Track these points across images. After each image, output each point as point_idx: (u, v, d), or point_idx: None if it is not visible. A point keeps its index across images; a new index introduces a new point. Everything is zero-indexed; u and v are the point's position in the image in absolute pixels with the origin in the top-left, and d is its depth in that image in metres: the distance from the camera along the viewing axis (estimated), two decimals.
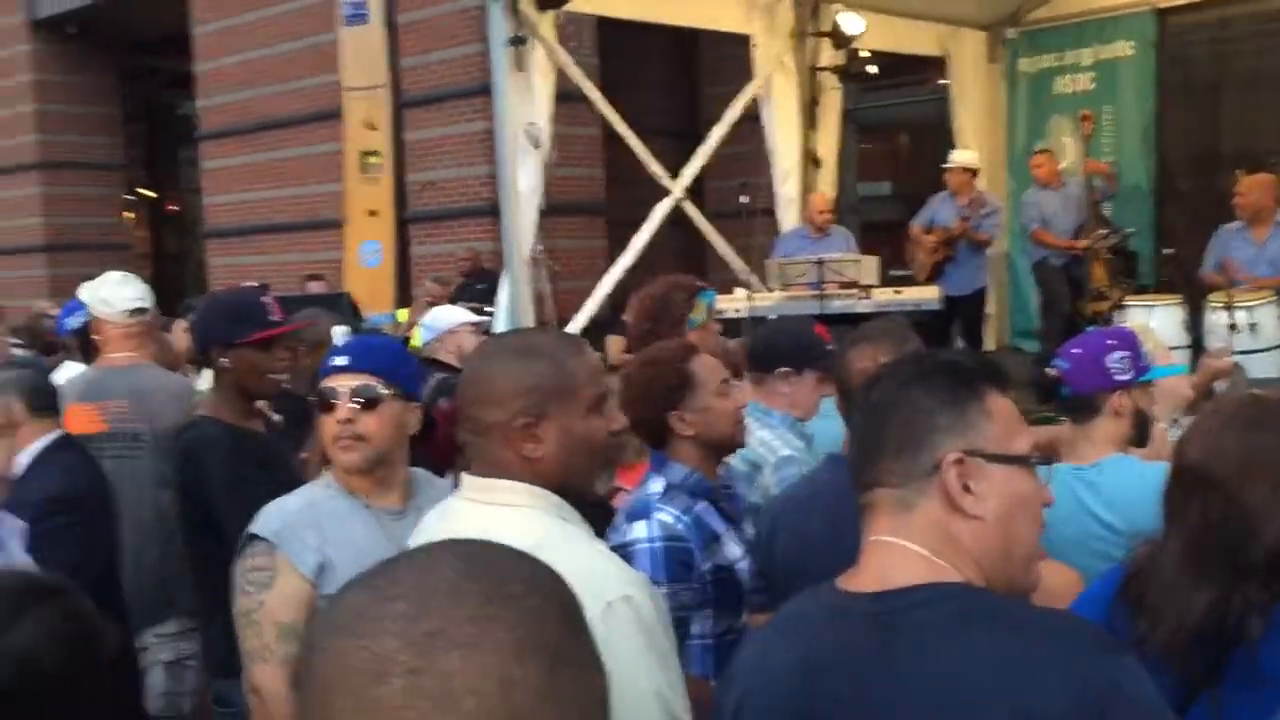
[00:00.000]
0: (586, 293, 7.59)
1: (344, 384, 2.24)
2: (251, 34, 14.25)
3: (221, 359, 3.02)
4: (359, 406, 2.22)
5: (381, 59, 12.36)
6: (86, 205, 18.13)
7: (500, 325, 6.34)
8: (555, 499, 1.66)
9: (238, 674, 2.70)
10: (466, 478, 1.71)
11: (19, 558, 2.29)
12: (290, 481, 2.87)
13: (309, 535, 2.20)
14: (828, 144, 8.56)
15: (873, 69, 8.81)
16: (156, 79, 20.37)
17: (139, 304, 3.84)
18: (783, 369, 3.06)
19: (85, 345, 4.46)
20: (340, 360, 2.29)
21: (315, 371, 3.39)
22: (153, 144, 22.17)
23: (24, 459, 3.01)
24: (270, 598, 2.17)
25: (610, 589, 1.49)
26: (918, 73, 12.12)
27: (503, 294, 6.71)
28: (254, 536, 2.21)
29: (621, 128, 7.63)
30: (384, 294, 11.29)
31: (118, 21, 17.27)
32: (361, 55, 12.45)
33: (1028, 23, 9.33)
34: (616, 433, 1.76)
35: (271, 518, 2.24)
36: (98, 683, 1.45)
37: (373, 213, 12.55)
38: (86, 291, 4.00)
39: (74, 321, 4.89)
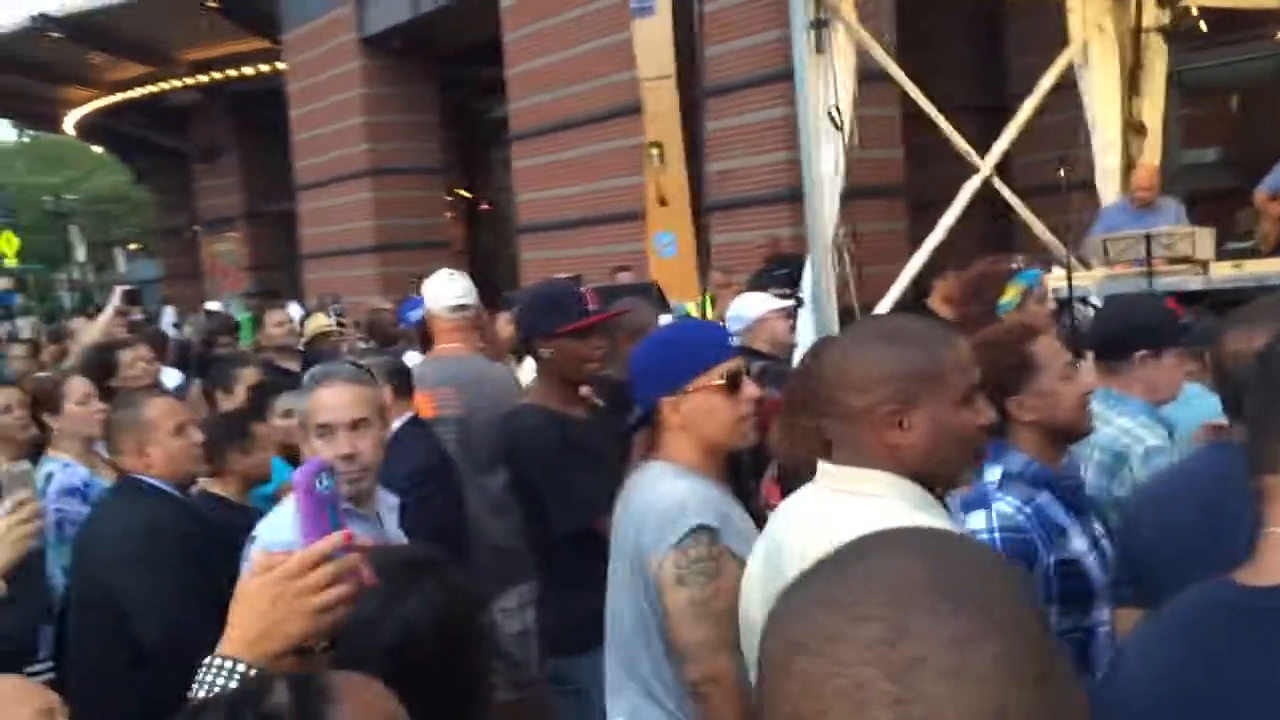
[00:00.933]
0: (887, 277, 7.43)
1: (742, 365, 2.29)
2: (557, 37, 14.86)
3: (543, 348, 3.15)
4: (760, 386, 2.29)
5: (668, 50, 12.54)
6: (411, 207, 19.52)
7: (806, 311, 6.30)
8: (919, 490, 1.62)
9: (574, 652, 2.81)
10: (826, 466, 1.69)
11: (393, 531, 2.48)
12: (611, 466, 2.95)
13: (737, 522, 2.19)
14: (1152, 110, 7.97)
15: (1202, 26, 8.12)
16: (469, 87, 21.63)
17: (461, 300, 4.09)
18: (1142, 352, 2.85)
19: (424, 337, 4.78)
20: (738, 341, 2.35)
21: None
22: (467, 148, 23.59)
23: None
24: (720, 587, 2.14)
25: None
26: (1254, 28, 11.08)
27: (807, 280, 6.67)
28: (699, 526, 2.15)
29: (926, 106, 7.41)
30: (686, 283, 11.47)
31: (436, 35, 18.46)
32: (649, 47, 12.67)
33: None
34: (986, 427, 1.69)
35: (705, 506, 2.19)
36: (473, 651, 1.55)
37: (662, 202, 12.76)
38: (424, 288, 4.31)
39: (415, 315, 5.29)
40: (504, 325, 5.50)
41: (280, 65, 21.40)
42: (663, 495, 2.19)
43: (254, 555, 2.38)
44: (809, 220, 6.81)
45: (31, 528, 2.16)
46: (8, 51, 24.75)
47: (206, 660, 1.34)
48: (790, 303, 5.27)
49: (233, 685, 1.30)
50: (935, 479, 1.65)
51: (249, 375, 5.39)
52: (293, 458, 4.48)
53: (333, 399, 2.50)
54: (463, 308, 4.09)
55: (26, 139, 50.42)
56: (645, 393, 2.27)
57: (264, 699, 1.02)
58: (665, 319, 3.91)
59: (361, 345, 7.35)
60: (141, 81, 25.56)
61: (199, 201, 27.77)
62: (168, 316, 17.21)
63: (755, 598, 1.81)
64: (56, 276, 40.69)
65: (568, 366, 3.12)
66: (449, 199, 21.75)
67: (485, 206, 24.44)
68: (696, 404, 2.23)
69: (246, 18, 21.41)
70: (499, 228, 22.54)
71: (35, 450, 4.49)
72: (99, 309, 18.14)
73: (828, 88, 6.62)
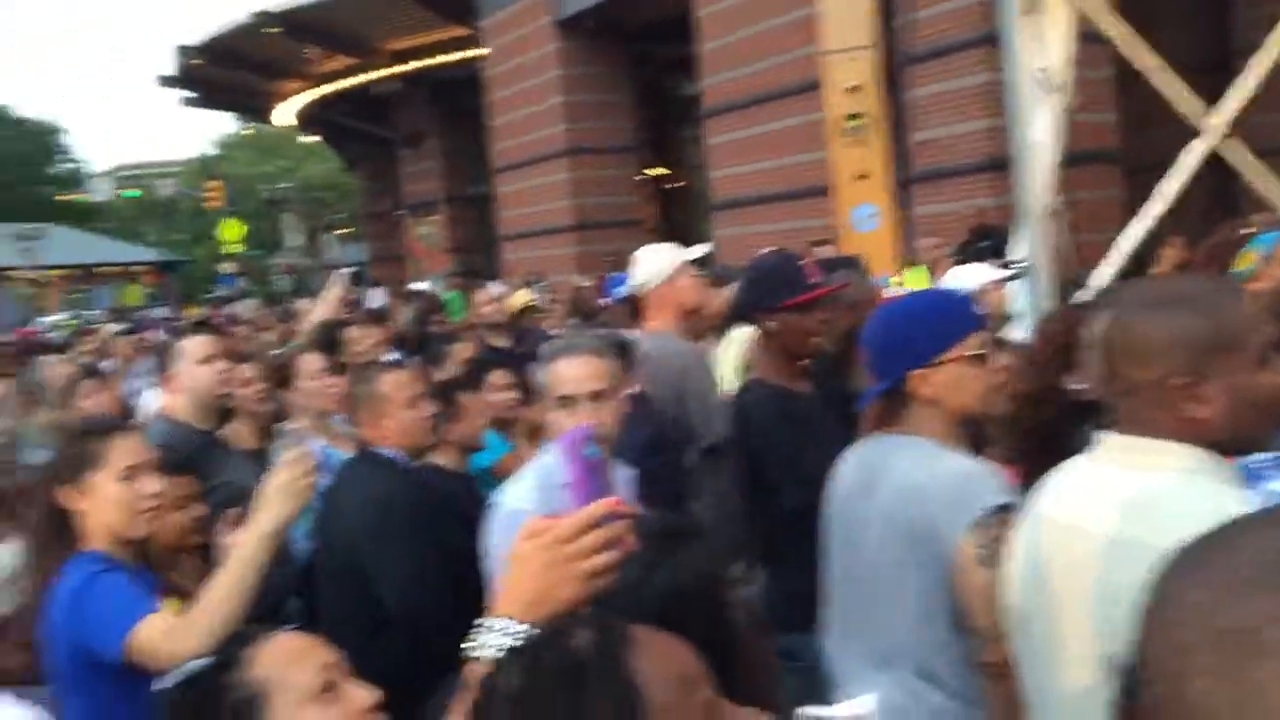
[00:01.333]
0: (1101, 246, 7.08)
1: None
2: (749, 10, 14.76)
3: (766, 322, 3.12)
4: None
5: (869, 19, 12.25)
6: (605, 186, 19.80)
7: (1018, 282, 6.08)
8: (1221, 462, 1.51)
9: (803, 629, 2.79)
10: (1111, 437, 1.60)
11: (630, 503, 2.51)
12: (835, 440, 2.91)
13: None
14: None
15: None
16: (661, 64, 21.73)
17: (645, 278, 4.14)
18: None
19: (632, 313, 4.83)
20: (981, 311, 2.29)
21: (849, 331, 3.42)
22: (658, 125, 23.70)
23: None
24: None
25: None
26: None
27: (1019, 250, 6.44)
28: (999, 505, 2.05)
29: (1152, 64, 7.01)
30: (886, 256, 11.24)
31: (629, 13, 18.61)
32: (846, 18, 12.41)
33: None
34: None
35: (996, 483, 2.11)
36: (727, 622, 1.56)
37: (862, 176, 12.51)
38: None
39: (620, 291, 5.36)
40: (710, 299, 5.51)
41: (478, 51, 21.99)
42: (944, 471, 2.11)
43: (522, 521, 2.47)
44: (1019, 189, 6.57)
45: (311, 480, 2.29)
46: (232, 47, 26.30)
47: (483, 620, 1.38)
48: (1009, 273, 5.08)
49: (507, 644, 1.34)
50: (1237, 449, 1.54)
51: (462, 350, 5.59)
52: (506, 431, 4.62)
53: (574, 370, 2.55)
54: (646, 285, 4.12)
55: (246, 131, 53.52)
56: (891, 365, 2.20)
57: (566, 641, 1.04)
58: (888, 291, 3.82)
59: (571, 322, 7.51)
60: (349, 73, 26.72)
61: (403, 186, 28.87)
62: (375, 297, 17.99)
63: (1016, 575, 1.75)
64: (272, 261, 43.18)
65: (792, 340, 3.08)
66: (641, 177, 21.93)
67: (676, 184, 24.54)
68: (948, 376, 2.16)
69: (446, 6, 22.08)
70: (690, 205, 22.62)
71: (274, 422, 4.77)
72: (314, 292, 19.11)
73: (1040, 49, 6.35)
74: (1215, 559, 0.68)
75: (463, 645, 1.38)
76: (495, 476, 4.32)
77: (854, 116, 12.36)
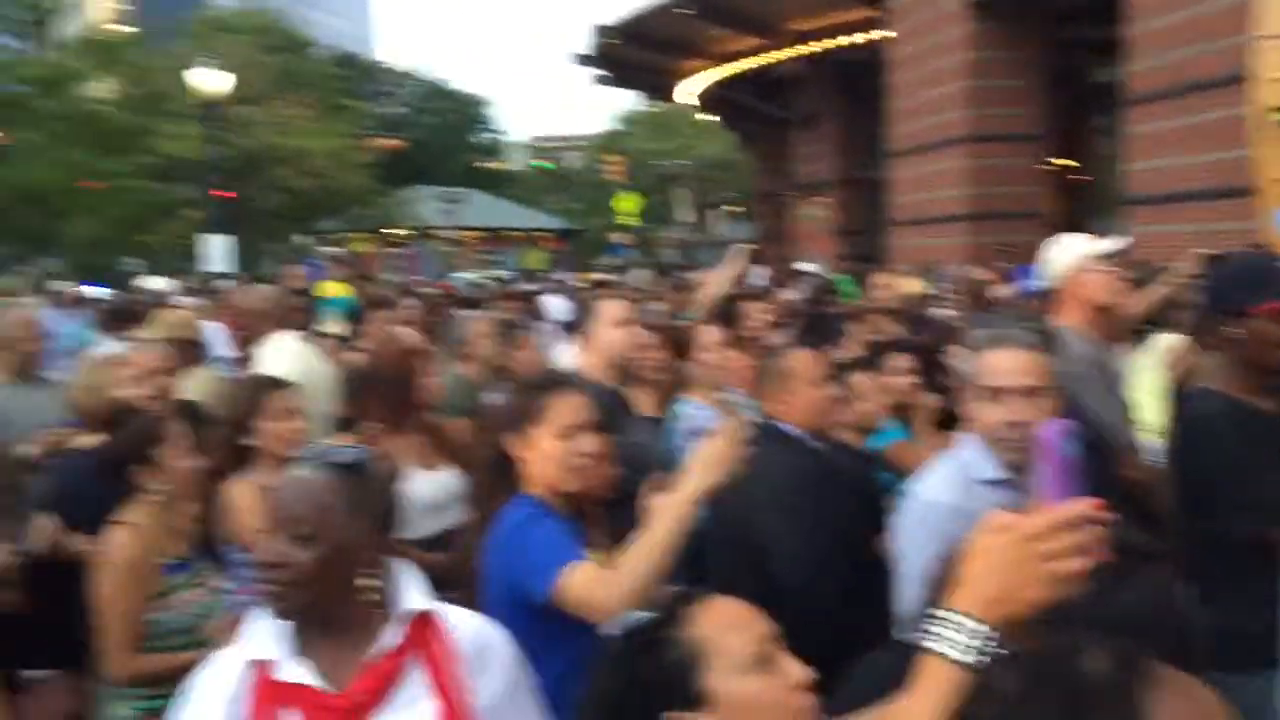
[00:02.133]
0: None
1: None
2: None
3: (1232, 328, 2.81)
4: None
5: None
6: (1004, 175, 18.92)
7: None
8: None
9: (1237, 669, 2.51)
10: None
11: None
12: None
13: None
14: None
15: None
16: (1075, 48, 20.48)
17: (1045, 273, 3.89)
18: None
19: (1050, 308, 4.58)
20: None
21: None
22: (1066, 114, 22.36)
23: None
24: None
25: None
26: None
27: None
28: None
29: None
30: None
31: None
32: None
33: None
34: None
35: None
36: (1187, 657, 1.41)
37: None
38: None
39: (1031, 285, 5.09)
40: (1124, 297, 5.10)
41: (882, 33, 21.65)
42: None
43: (938, 513, 2.41)
44: None
45: (738, 453, 2.26)
46: (645, 28, 27.50)
47: (939, 613, 1.32)
48: None
49: (966, 640, 1.27)
50: None
51: (861, 331, 5.53)
52: (904, 416, 4.51)
53: (1006, 363, 2.42)
54: (1054, 278, 3.89)
55: (647, 109, 55.86)
56: None
57: (1078, 660, 0.97)
58: None
59: (971, 314, 7.25)
60: (753, 53, 27.19)
61: (795, 167, 29.06)
62: (758, 275, 18.18)
63: None
64: (661, 234, 44.93)
65: (1260, 351, 2.74)
66: (1044, 167, 20.79)
67: (1081, 176, 23.07)
68: None
69: None
70: (1095, 199, 21.22)
71: (673, 391, 4.91)
72: (701, 265, 19.60)
73: None
74: None
75: (922, 636, 1.31)
76: (887, 460, 4.24)
77: (1275, 109, 11.14)
